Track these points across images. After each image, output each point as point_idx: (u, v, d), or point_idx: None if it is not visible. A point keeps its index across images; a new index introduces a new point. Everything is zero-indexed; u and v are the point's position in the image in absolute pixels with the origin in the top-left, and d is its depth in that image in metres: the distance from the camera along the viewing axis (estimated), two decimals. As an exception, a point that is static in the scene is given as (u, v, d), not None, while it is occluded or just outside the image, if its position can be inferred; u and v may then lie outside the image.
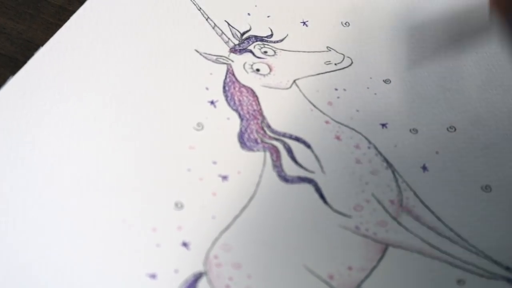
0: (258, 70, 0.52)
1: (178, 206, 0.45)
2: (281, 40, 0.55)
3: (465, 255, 0.45)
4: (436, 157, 0.49)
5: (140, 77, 0.51)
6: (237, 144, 0.48)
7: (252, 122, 0.49)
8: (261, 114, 0.50)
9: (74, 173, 0.45)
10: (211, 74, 0.52)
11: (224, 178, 0.47)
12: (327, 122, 0.50)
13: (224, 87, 0.51)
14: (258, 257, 0.43)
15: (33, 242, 0.42)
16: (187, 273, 0.42)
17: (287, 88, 0.52)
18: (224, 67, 0.52)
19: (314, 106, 0.51)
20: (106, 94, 0.50)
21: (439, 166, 0.49)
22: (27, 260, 0.42)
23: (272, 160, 0.48)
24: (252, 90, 0.51)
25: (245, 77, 0.52)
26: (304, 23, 0.56)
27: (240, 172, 0.47)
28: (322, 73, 0.53)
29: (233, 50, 0.53)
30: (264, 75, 0.52)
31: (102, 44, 0.52)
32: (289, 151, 0.48)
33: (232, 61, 0.53)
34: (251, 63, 0.53)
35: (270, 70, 0.53)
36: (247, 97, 0.51)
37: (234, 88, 0.51)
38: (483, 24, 0.58)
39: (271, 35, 0.55)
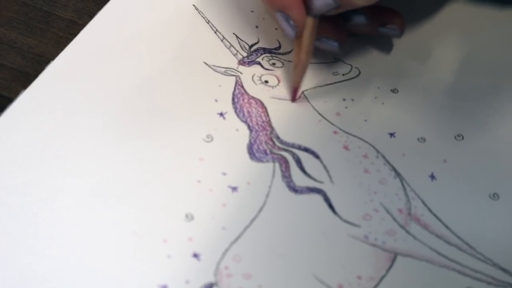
0: (266, 81, 0.53)
1: (189, 217, 0.45)
2: (289, 52, 0.55)
3: (474, 263, 0.45)
4: (444, 166, 0.49)
5: (149, 90, 0.51)
6: (247, 155, 0.49)
7: (261, 133, 0.50)
8: (270, 125, 0.50)
9: (84, 185, 0.46)
10: (220, 86, 0.52)
11: (234, 189, 0.47)
12: (335, 132, 0.51)
13: (233, 99, 0.51)
14: (268, 267, 0.44)
15: (44, 254, 0.43)
16: (198, 284, 0.42)
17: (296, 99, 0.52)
18: (233, 79, 0.53)
19: (322, 116, 0.51)
20: (116, 107, 0.50)
21: (447, 175, 0.49)
22: (39, 273, 0.42)
23: (281, 170, 0.48)
24: (260, 101, 0.52)
25: (253, 89, 0.52)
26: (311, 34, 0.57)
27: (250, 183, 0.47)
28: (330, 84, 0.53)
29: (241, 62, 0.54)
30: (272, 86, 0.53)
31: (112, 57, 0.53)
32: (298, 162, 0.48)
33: (241, 73, 0.53)
34: (260, 75, 0.53)
35: (279, 81, 0.53)
36: (256, 108, 0.51)
37: (243, 100, 0.51)
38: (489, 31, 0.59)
39: (279, 47, 0.55)
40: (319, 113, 0.51)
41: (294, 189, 0.47)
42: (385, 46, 0.57)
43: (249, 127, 0.50)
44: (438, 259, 0.45)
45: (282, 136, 0.50)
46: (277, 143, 0.49)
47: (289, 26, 0.49)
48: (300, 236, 0.45)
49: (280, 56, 0.55)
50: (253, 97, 0.52)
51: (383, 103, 0.53)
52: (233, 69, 0.53)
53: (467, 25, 0.59)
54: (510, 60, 0.56)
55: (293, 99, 0.52)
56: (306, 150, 0.49)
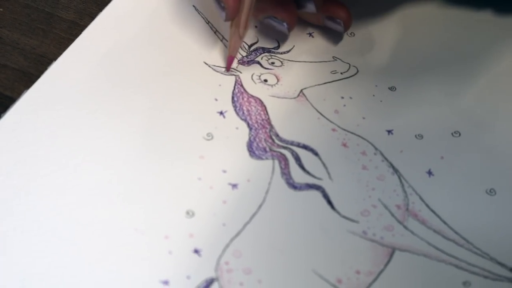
0: (265, 80, 0.53)
1: (190, 214, 0.46)
2: (288, 51, 0.56)
3: (471, 258, 0.45)
4: (441, 162, 0.50)
5: (150, 89, 0.52)
6: (246, 153, 0.49)
7: (260, 131, 0.50)
8: (269, 123, 0.51)
9: (86, 183, 0.46)
10: (220, 85, 0.53)
11: (234, 186, 0.47)
12: (334, 129, 0.51)
13: (232, 98, 0.52)
14: (268, 262, 0.44)
15: (46, 251, 0.43)
16: (199, 279, 0.43)
17: (294, 98, 0.53)
18: (233, 79, 0.53)
19: (321, 114, 0.52)
20: (118, 106, 0.50)
21: (444, 171, 0.49)
22: (41, 269, 0.42)
23: (281, 168, 0.48)
24: (260, 100, 0.52)
25: (253, 88, 0.53)
26: (310, 34, 0.57)
27: (250, 180, 0.48)
28: (328, 82, 0.54)
29: (241, 61, 0.54)
30: (271, 85, 0.53)
31: (113, 57, 0.53)
32: (297, 159, 0.49)
33: (240, 72, 0.54)
34: (259, 74, 0.54)
35: (278, 80, 0.53)
36: (255, 107, 0.52)
37: (243, 99, 0.52)
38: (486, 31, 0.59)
39: (278, 46, 0.56)
40: (317, 111, 0.52)
41: (293, 186, 0.48)
42: (383, 44, 0.57)
43: (248, 125, 0.50)
44: (436, 253, 0.45)
45: (281, 134, 0.50)
46: (276, 141, 0.50)
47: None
48: (299, 231, 0.46)
49: (279, 55, 0.55)
50: (252, 96, 0.52)
51: (381, 101, 0.53)
52: (232, 68, 0.54)
53: (464, 26, 0.59)
54: (506, 59, 0.57)
55: (228, 68, 0.54)
56: (305, 147, 0.50)
